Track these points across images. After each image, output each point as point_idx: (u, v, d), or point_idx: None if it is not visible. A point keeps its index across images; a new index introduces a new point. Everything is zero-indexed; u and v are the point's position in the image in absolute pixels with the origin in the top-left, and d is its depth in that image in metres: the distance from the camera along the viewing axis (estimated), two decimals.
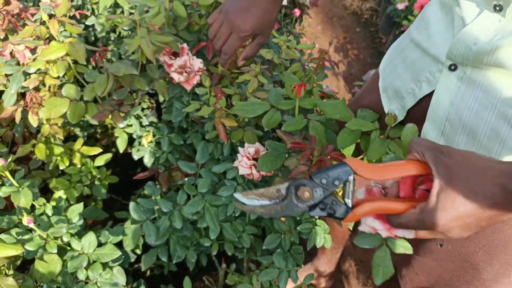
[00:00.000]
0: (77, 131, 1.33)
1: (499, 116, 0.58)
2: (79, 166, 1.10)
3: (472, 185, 0.43)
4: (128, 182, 1.42)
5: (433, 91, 0.68)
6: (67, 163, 1.07)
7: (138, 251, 1.04)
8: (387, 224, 0.51)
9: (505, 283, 0.72)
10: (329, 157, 0.68)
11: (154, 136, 1.13)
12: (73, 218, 0.84)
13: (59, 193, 1.06)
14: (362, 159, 0.83)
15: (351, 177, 0.48)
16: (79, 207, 0.85)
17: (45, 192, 1.16)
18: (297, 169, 0.70)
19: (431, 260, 0.83)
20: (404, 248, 0.62)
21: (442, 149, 0.46)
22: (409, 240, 0.86)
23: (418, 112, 0.73)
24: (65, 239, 0.80)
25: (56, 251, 0.77)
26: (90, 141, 1.42)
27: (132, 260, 0.99)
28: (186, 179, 0.89)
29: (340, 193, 0.50)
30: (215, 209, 0.87)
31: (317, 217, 0.93)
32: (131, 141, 1.20)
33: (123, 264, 0.98)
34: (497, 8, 0.56)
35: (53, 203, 0.98)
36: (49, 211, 0.84)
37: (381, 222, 0.52)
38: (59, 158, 1.06)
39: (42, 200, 0.84)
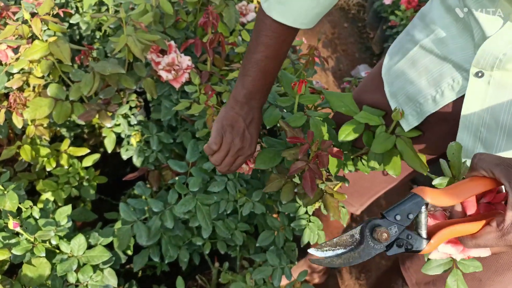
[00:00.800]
0: (64, 131, 1.30)
1: None
2: (66, 167, 1.08)
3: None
4: (117, 182, 1.40)
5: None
6: (54, 165, 1.05)
7: (130, 252, 1.02)
8: (459, 246, 0.51)
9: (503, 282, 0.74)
10: (326, 152, 0.68)
11: (143, 135, 1.11)
12: (61, 220, 0.82)
13: (47, 195, 1.04)
14: (362, 155, 0.83)
15: (423, 208, 0.47)
16: (67, 209, 0.83)
17: (32, 194, 1.13)
18: (295, 165, 0.69)
19: None
20: (474, 267, 0.60)
21: (510, 162, 0.45)
22: None
23: (434, 117, 0.74)
24: (54, 242, 0.78)
25: (44, 254, 0.76)
26: (77, 141, 1.39)
27: (123, 261, 0.97)
28: (177, 178, 0.88)
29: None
30: (207, 207, 0.86)
31: (308, 213, 0.93)
32: (119, 140, 1.18)
33: (114, 266, 0.96)
34: (479, 75, 0.60)
35: (40, 206, 0.96)
36: (36, 214, 0.82)
37: (452, 246, 0.51)
38: (45, 159, 1.03)
39: (28, 203, 0.82)
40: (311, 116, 0.76)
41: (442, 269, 0.60)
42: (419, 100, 0.74)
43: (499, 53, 0.60)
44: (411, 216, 0.47)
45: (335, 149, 0.72)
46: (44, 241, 0.79)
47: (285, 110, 0.87)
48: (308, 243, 0.92)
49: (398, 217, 0.46)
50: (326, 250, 0.47)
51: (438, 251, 0.52)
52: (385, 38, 2.73)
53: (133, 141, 1.10)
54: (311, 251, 0.48)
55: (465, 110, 0.67)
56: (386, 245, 0.47)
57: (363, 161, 0.81)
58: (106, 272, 0.87)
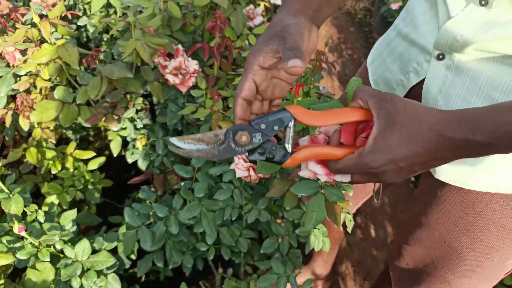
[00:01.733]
0: (69, 134, 1.30)
1: (486, 100, 0.60)
2: (71, 170, 1.07)
3: (409, 130, 0.45)
4: (122, 186, 1.40)
5: (422, 81, 0.69)
6: (60, 167, 1.04)
7: (133, 257, 1.02)
8: (327, 169, 0.52)
9: (487, 267, 0.73)
10: None
11: (148, 139, 1.11)
12: (66, 224, 0.81)
13: (51, 198, 1.04)
14: None
15: (291, 123, 0.49)
16: (72, 213, 0.83)
17: (37, 196, 1.13)
18: (295, 171, 0.68)
19: (420, 248, 0.84)
20: (337, 196, 0.62)
21: (385, 96, 0.47)
22: (407, 230, 0.86)
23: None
24: (58, 247, 0.78)
25: (48, 259, 0.75)
26: (83, 144, 1.39)
27: (127, 266, 0.96)
28: (182, 183, 0.88)
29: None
30: (212, 214, 0.86)
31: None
32: (125, 144, 1.18)
33: (118, 271, 0.96)
34: (483, 2, 0.57)
35: (45, 209, 0.96)
36: (41, 218, 0.82)
37: (322, 167, 0.53)
38: (51, 162, 1.03)
39: (33, 207, 0.82)
40: None
41: (309, 191, 0.61)
42: (393, 86, 0.76)
43: (457, 34, 0.60)
44: (276, 128, 0.48)
45: None
46: (48, 246, 0.78)
47: None
48: (312, 249, 0.91)
49: (262, 126, 0.48)
50: (188, 143, 0.48)
51: (307, 169, 0.54)
52: None
53: (139, 144, 1.10)
54: (172, 139, 0.48)
55: (424, 90, 0.68)
56: (248, 149, 0.48)
57: None
58: (110, 278, 0.87)
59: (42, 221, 0.82)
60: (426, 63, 0.68)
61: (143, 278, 1.25)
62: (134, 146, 1.16)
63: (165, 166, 1.15)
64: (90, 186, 1.11)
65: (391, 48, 0.78)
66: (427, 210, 0.78)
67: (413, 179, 2.01)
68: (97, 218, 1.08)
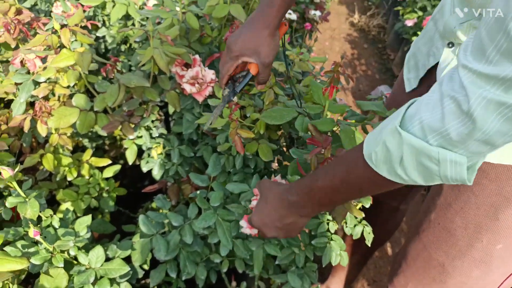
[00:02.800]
0: (85, 142, 1.31)
1: None
2: (87, 177, 1.07)
3: (267, 199, 0.71)
4: (135, 195, 1.39)
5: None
6: (75, 174, 1.04)
7: (146, 267, 1.00)
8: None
9: (478, 248, 0.75)
10: None
11: (164, 148, 1.11)
12: (81, 231, 0.81)
13: (66, 205, 1.04)
14: None
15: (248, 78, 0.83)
16: (87, 219, 0.82)
17: (52, 203, 1.13)
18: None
19: (416, 236, 0.87)
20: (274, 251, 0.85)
21: (261, 182, 0.77)
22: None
23: (426, 82, 0.88)
24: (72, 253, 0.77)
25: (62, 265, 0.74)
26: (98, 152, 1.40)
27: (140, 276, 0.95)
28: (198, 192, 0.86)
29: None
30: (228, 224, 0.84)
31: (330, 231, 0.90)
32: (140, 153, 1.18)
33: (130, 280, 0.94)
34: (450, 45, 0.77)
35: (60, 215, 0.95)
36: (56, 223, 0.81)
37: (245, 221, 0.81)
38: (67, 169, 1.03)
39: (49, 212, 0.82)
40: (341, 123, 0.74)
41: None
42: (419, 66, 0.89)
43: (452, 26, 0.72)
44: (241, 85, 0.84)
45: None
46: (62, 251, 0.77)
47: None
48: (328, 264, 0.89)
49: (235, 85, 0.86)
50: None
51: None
52: None
53: (154, 153, 1.10)
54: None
55: (437, 75, 0.79)
56: (226, 94, 0.87)
57: None
58: (123, 287, 0.85)
59: (57, 226, 0.81)
60: (442, 48, 0.77)
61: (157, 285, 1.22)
62: (149, 155, 1.16)
63: (180, 175, 1.14)
64: (104, 194, 1.11)
65: (425, 31, 0.89)
66: (429, 198, 0.83)
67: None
68: (110, 226, 1.07)
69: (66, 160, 1.02)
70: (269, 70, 0.80)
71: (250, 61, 0.78)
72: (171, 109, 1.23)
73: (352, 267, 1.34)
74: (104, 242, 1.03)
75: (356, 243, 1.23)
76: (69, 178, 1.04)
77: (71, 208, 1.03)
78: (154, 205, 1.35)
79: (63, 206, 1.03)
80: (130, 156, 1.05)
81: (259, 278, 1.09)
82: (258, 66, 0.79)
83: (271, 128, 1.03)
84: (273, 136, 1.04)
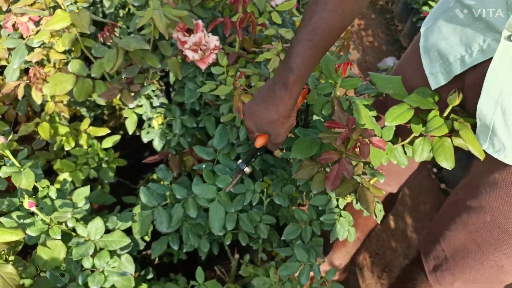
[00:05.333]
0: (84, 111, 1.27)
1: None
2: (85, 147, 1.03)
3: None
4: (135, 166, 1.36)
5: (486, 60, 0.65)
6: (73, 144, 1.00)
7: (147, 238, 0.98)
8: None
9: None
10: (367, 141, 0.61)
11: (165, 118, 1.06)
12: (79, 202, 0.77)
13: (64, 176, 1.00)
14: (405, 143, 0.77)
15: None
16: (85, 190, 0.79)
17: (49, 174, 1.10)
18: (327, 154, 0.63)
19: (464, 233, 0.80)
20: None
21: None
22: (449, 216, 0.87)
23: (461, 78, 0.72)
24: (70, 225, 0.74)
25: (60, 237, 0.71)
26: (97, 122, 1.35)
27: (141, 247, 0.93)
28: (204, 165, 0.83)
29: None
30: (223, 209, 0.81)
31: (339, 207, 0.87)
32: (140, 123, 1.14)
33: (131, 252, 0.92)
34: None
35: (58, 186, 0.92)
36: (53, 194, 0.78)
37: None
38: (64, 138, 0.99)
39: (45, 182, 0.78)
40: (353, 101, 0.69)
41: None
42: (449, 59, 0.72)
43: None
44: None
45: (377, 138, 0.65)
46: (60, 223, 0.74)
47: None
48: (328, 238, 0.86)
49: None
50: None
51: None
52: (415, 31, 2.62)
53: (155, 123, 1.05)
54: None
55: (491, 73, 0.63)
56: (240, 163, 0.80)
57: (407, 150, 0.75)
58: (124, 258, 0.83)
59: (53, 197, 0.78)
60: (495, 42, 0.63)
61: (157, 260, 1.21)
62: (150, 126, 1.11)
63: (182, 146, 1.11)
64: (104, 165, 1.07)
65: (449, 17, 0.72)
66: (479, 194, 0.74)
67: (435, 170, 1.94)
68: (110, 197, 1.04)
69: (63, 129, 0.98)
70: (278, 146, 0.74)
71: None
72: (172, 78, 1.18)
73: (355, 241, 1.32)
74: (104, 214, 1.01)
75: (360, 217, 1.21)
76: (66, 148, 1.00)
77: (69, 179, 1.00)
78: (155, 176, 1.32)
79: (61, 177, 1.00)
80: (130, 126, 1.01)
81: (262, 251, 1.07)
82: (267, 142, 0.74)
83: None
84: None
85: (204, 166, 0.82)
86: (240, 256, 1.08)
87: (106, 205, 1.12)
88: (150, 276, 1.07)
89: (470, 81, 0.70)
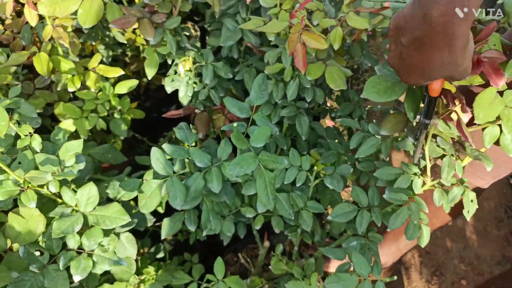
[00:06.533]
0: (101, 49, 1.06)
1: None
2: (93, 90, 0.83)
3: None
4: (159, 123, 1.17)
5: None
6: (78, 85, 0.81)
7: (161, 210, 0.79)
8: None
9: None
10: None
11: (194, 63, 0.84)
12: (67, 160, 0.58)
13: (67, 124, 0.82)
14: None
15: None
16: (77, 144, 0.59)
17: (52, 119, 0.92)
18: None
19: None
20: None
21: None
22: None
23: None
24: (53, 189, 0.55)
25: (34, 204, 0.52)
26: (117, 65, 1.15)
27: (149, 224, 0.74)
28: (235, 124, 0.61)
29: None
30: (271, 174, 0.58)
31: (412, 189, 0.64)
32: (165, 71, 0.93)
33: (139, 226, 0.73)
34: None
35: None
36: (37, 146, 0.58)
37: None
38: (69, 76, 0.80)
39: (27, 128, 0.59)
40: None
41: None
42: None
43: None
44: None
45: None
46: (41, 186, 0.55)
47: None
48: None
49: None
50: None
51: None
52: None
53: (181, 69, 0.83)
54: None
55: None
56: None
57: None
58: (124, 238, 0.64)
59: (37, 149, 0.58)
60: None
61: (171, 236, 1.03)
62: (175, 72, 0.90)
63: (212, 102, 0.89)
64: (116, 115, 0.88)
65: None
66: None
67: None
68: (121, 155, 0.85)
69: (67, 65, 0.78)
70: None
71: None
72: (208, 18, 0.95)
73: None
74: (109, 175, 0.82)
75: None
76: (70, 88, 0.80)
77: (73, 128, 0.81)
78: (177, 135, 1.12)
79: (63, 124, 0.81)
80: (150, 68, 0.80)
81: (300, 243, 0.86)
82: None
83: (337, 52, 0.74)
84: (340, 62, 0.74)
85: (235, 125, 0.60)
86: (271, 244, 0.88)
87: (116, 165, 0.94)
88: (160, 255, 0.89)
89: None
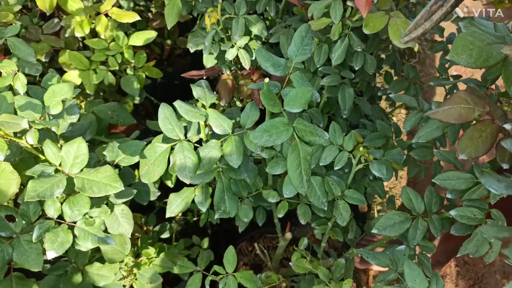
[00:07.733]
0: (123, 1, 0.95)
1: None
2: (104, 37, 0.72)
3: None
4: (183, 88, 1.05)
5: None
6: (87, 30, 0.69)
7: (170, 184, 0.68)
8: None
9: None
10: None
11: (223, 15, 0.71)
12: (53, 106, 0.46)
13: (72, 74, 0.71)
14: None
15: None
16: (66, 88, 0.47)
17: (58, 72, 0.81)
18: None
19: None
20: None
21: None
22: None
23: None
24: (31, 141, 0.44)
25: (3, 157, 0.41)
26: (140, 24, 1.04)
27: (153, 198, 0.62)
28: (266, 80, 0.48)
29: None
30: (309, 149, 0.45)
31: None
32: (189, 27, 0.81)
33: (140, 200, 0.62)
34: None
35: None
36: (21, 87, 0.47)
37: None
38: (77, 19, 0.68)
39: (11, 64, 0.48)
40: None
41: None
42: None
43: None
44: None
45: None
46: (16, 135, 0.44)
47: None
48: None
49: None
50: None
51: None
52: None
53: (207, 21, 0.71)
54: None
55: None
56: None
57: None
58: (119, 212, 0.53)
59: (21, 92, 0.47)
60: None
61: (180, 214, 0.92)
62: (201, 27, 0.77)
63: (240, 65, 0.77)
64: (129, 71, 0.76)
65: None
66: None
67: None
68: (130, 117, 0.74)
69: (75, 4, 0.67)
70: None
71: None
72: None
73: (447, 250, 0.95)
74: (112, 137, 0.71)
75: None
76: (77, 34, 0.69)
77: (78, 81, 0.70)
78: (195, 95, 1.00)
79: (68, 75, 0.70)
80: (170, 17, 0.68)
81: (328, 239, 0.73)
82: None
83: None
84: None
85: (266, 81, 0.46)
86: (292, 236, 0.75)
87: (128, 131, 0.83)
88: (165, 235, 0.78)
89: None
